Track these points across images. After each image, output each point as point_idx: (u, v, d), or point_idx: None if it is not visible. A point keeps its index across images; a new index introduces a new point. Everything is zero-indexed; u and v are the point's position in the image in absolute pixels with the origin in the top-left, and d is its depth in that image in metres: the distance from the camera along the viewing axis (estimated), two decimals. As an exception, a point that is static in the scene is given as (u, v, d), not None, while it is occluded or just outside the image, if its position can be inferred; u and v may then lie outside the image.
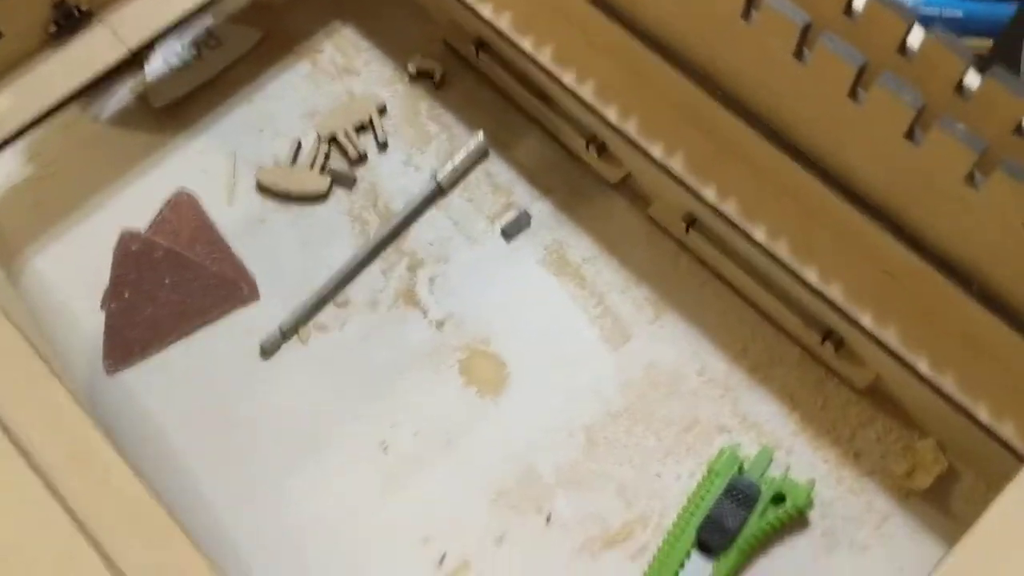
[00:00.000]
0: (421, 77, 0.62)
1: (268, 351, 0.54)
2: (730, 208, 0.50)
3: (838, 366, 0.52)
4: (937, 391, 0.47)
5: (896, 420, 0.51)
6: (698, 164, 0.51)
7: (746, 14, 0.45)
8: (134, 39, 0.56)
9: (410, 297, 0.56)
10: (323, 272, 0.56)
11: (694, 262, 0.56)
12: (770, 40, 0.44)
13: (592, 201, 0.58)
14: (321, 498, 0.51)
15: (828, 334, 0.51)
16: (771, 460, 0.50)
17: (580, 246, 0.57)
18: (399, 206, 0.58)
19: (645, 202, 0.57)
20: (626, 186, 0.58)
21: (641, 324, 0.55)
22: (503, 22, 0.55)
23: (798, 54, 0.44)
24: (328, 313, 0.55)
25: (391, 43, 0.63)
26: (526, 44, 0.55)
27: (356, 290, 0.56)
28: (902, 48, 0.44)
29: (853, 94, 0.43)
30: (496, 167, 0.60)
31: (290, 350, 0.55)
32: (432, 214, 0.58)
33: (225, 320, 0.55)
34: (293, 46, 0.63)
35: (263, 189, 0.59)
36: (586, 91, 0.53)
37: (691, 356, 0.54)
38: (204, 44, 0.63)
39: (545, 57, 0.54)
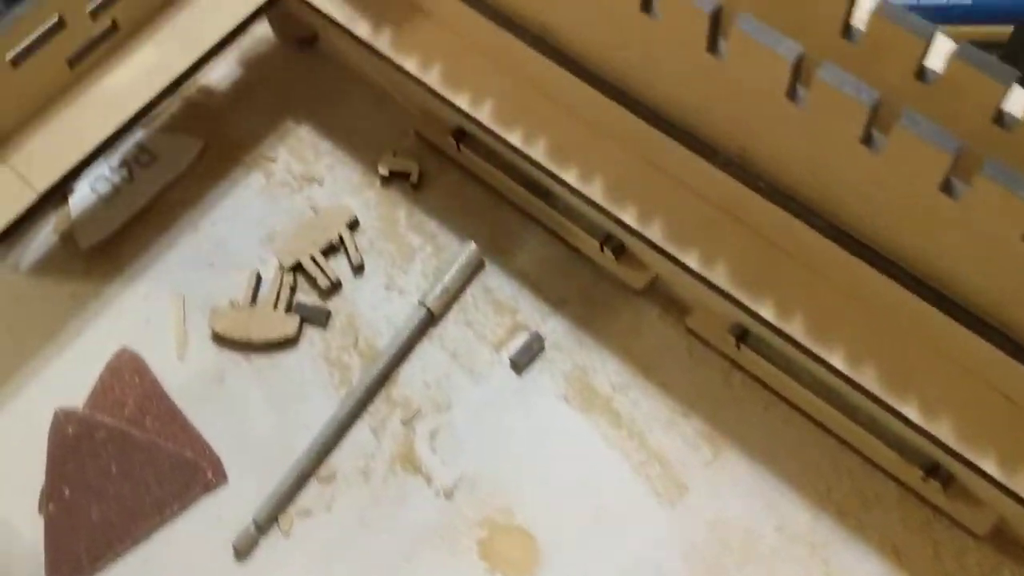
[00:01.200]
0: (396, 179, 0.53)
1: (243, 551, 0.45)
2: (795, 326, 0.40)
3: (949, 507, 0.42)
4: None
5: (1027, 565, 0.42)
6: (745, 270, 0.42)
7: (791, 93, 0.35)
8: (44, 181, 0.47)
9: (409, 460, 0.46)
10: (300, 437, 0.47)
11: (751, 381, 0.46)
12: (831, 121, 0.35)
13: (615, 313, 0.48)
14: None
15: (933, 469, 0.41)
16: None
17: (609, 371, 0.47)
18: (385, 342, 0.49)
19: (681, 310, 0.47)
20: (655, 291, 0.48)
21: (696, 468, 0.45)
22: (484, 114, 0.46)
23: (866, 140, 0.35)
24: (311, 492, 0.46)
25: (356, 142, 0.54)
26: (515, 138, 0.45)
27: (343, 458, 0.47)
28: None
29: (946, 187, 0.33)
30: (495, 280, 0.50)
31: (270, 546, 0.45)
32: (425, 348, 0.49)
33: (188, 513, 0.46)
34: (241, 155, 0.54)
35: (220, 338, 0.49)
36: (595, 189, 0.44)
37: (764, 506, 0.44)
38: (136, 162, 0.54)
39: (539, 152, 0.45)
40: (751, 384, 0.46)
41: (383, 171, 0.52)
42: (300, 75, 0.56)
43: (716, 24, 0.36)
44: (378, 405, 0.48)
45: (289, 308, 0.50)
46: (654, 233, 0.42)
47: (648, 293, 0.48)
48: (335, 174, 0.53)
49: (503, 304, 0.49)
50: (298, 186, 0.53)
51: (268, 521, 0.45)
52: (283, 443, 0.47)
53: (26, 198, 0.46)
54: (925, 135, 0.32)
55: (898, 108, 0.32)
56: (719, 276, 0.41)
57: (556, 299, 0.49)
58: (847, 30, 0.37)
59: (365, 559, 0.44)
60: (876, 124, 0.34)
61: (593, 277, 0.49)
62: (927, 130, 0.32)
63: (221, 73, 0.56)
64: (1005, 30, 0.65)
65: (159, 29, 0.49)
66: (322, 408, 0.47)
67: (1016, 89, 0.34)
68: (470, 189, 0.52)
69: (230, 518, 0.45)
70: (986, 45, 0.52)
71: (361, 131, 0.54)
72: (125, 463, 0.47)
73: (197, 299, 0.50)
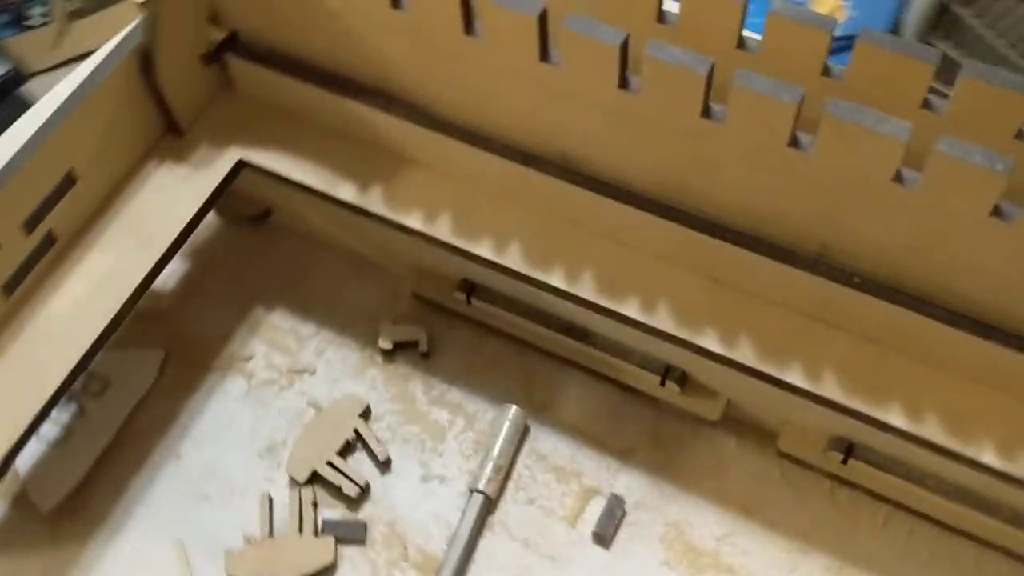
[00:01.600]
0: (401, 350, 0.46)
1: None
2: (931, 429, 0.36)
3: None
4: None
5: None
6: (857, 377, 0.37)
7: (899, 176, 0.32)
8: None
9: None
10: None
11: (859, 495, 0.41)
12: (953, 198, 0.31)
13: (691, 452, 0.43)
14: None
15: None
16: None
17: (706, 521, 0.41)
18: (440, 545, 0.42)
19: (762, 435, 0.43)
20: (729, 419, 0.43)
21: (832, 610, 0.40)
22: (513, 258, 0.40)
23: (997, 212, 0.31)
24: None
25: (342, 317, 0.47)
26: (555, 279, 0.40)
27: None
28: None
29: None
30: (546, 443, 0.44)
31: None
32: (489, 542, 0.42)
33: None
34: (210, 359, 0.47)
35: (240, 585, 0.41)
36: (662, 318, 0.39)
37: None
38: (85, 393, 0.46)
39: (587, 288, 0.39)
40: (860, 498, 0.41)
41: (386, 345, 0.46)
42: (257, 256, 0.49)
43: (795, 117, 0.32)
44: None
45: (318, 531, 0.42)
46: (743, 354, 0.38)
47: (722, 423, 0.43)
48: (328, 359, 0.46)
49: (564, 469, 0.43)
50: (287, 382, 0.46)
51: None
52: None
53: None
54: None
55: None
56: (829, 388, 0.37)
57: (621, 450, 0.43)
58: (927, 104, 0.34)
59: None
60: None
61: (656, 416, 0.44)
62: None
63: (166, 270, 0.49)
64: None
65: (104, 231, 0.42)
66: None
67: None
68: (490, 344, 0.46)
69: None
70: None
71: (345, 305, 0.48)
72: None
73: (201, 542, 0.42)
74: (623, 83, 0.34)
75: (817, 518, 0.41)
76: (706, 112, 0.34)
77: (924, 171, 0.31)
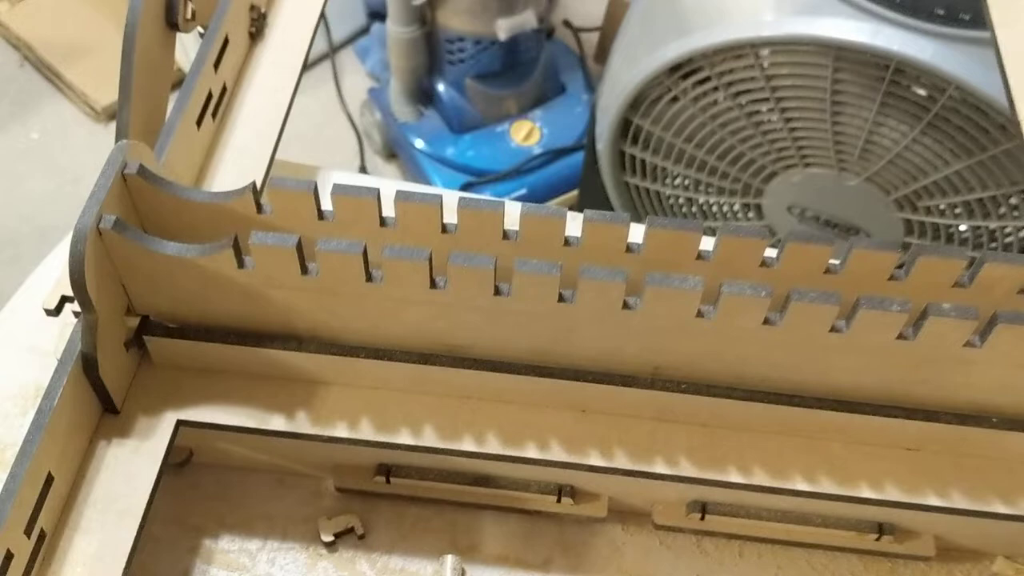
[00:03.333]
0: (340, 538, 0.52)
1: None
2: (759, 478, 0.48)
3: (902, 549, 0.51)
4: (988, 515, 0.48)
5: (967, 562, 0.52)
6: (703, 455, 0.48)
7: (700, 314, 0.44)
8: None
9: None
10: None
11: (720, 539, 0.52)
12: (738, 319, 0.44)
13: (591, 546, 0.52)
14: None
15: (881, 528, 0.50)
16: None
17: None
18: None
19: (638, 515, 0.53)
20: (611, 511, 0.53)
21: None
22: (429, 438, 0.48)
23: (767, 321, 0.44)
24: None
25: (280, 525, 0.52)
26: (467, 444, 0.48)
27: None
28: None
29: (834, 329, 0.44)
30: (482, 575, 0.51)
31: None
32: (466, 669, 0.49)
33: None
34: (175, 598, 0.50)
35: None
36: (556, 452, 0.48)
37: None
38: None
39: (494, 445, 0.48)
40: (719, 541, 0.52)
41: (327, 538, 0.52)
42: (187, 495, 0.53)
43: (623, 291, 0.43)
44: None
45: None
46: (621, 462, 0.48)
47: (608, 517, 0.53)
48: (281, 564, 0.51)
49: (512, 592, 0.51)
50: (250, 599, 0.50)
51: None
52: None
53: None
54: (813, 301, 0.42)
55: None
56: (685, 469, 0.48)
57: (541, 562, 0.52)
58: (700, 255, 0.47)
59: None
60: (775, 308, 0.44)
61: (557, 526, 0.53)
62: (815, 297, 0.42)
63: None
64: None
65: (82, 516, 0.45)
66: None
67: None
68: (412, 511, 0.53)
69: None
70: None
71: (279, 514, 0.53)
72: None
73: None
74: (497, 292, 0.45)
75: (694, 567, 0.52)
76: (561, 298, 0.44)
77: (717, 305, 0.43)
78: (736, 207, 0.99)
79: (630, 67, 0.93)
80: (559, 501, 0.51)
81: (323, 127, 1.69)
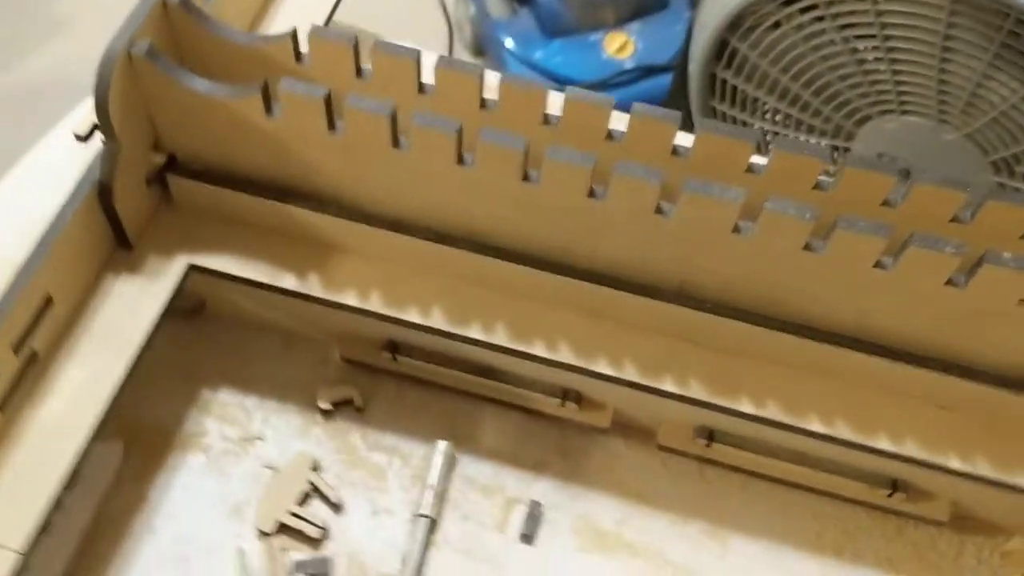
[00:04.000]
0: (339, 408, 0.51)
1: None
2: (773, 411, 0.44)
3: (913, 509, 0.48)
4: (1012, 488, 0.44)
5: (980, 534, 0.48)
6: (719, 380, 0.45)
7: (737, 230, 0.40)
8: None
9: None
10: None
11: (723, 471, 0.50)
12: (777, 239, 0.40)
13: (589, 456, 0.50)
14: None
15: (895, 485, 0.47)
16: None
17: (606, 509, 0.48)
18: (395, 566, 0.46)
19: (643, 433, 0.50)
20: (616, 424, 0.50)
21: (713, 563, 0.47)
22: (437, 319, 0.46)
23: (808, 247, 0.40)
24: None
25: (280, 387, 0.51)
26: (474, 331, 0.46)
27: None
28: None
29: (879, 264, 0.40)
30: (472, 468, 0.49)
31: None
32: (435, 557, 0.46)
33: None
34: (169, 440, 0.49)
35: (235, 630, 0.44)
36: (564, 353, 0.45)
37: (779, 573, 0.47)
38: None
39: (502, 337, 0.46)
40: (723, 473, 0.50)
41: (325, 406, 0.50)
42: (195, 345, 0.52)
43: (659, 193, 0.40)
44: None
45: (291, 572, 0.45)
46: (628, 373, 0.45)
47: (611, 429, 0.50)
48: (274, 425, 0.50)
49: (489, 487, 0.49)
50: (242, 450, 0.49)
51: None
52: None
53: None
54: (860, 231, 0.38)
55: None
56: (697, 391, 0.45)
57: (534, 464, 0.50)
58: (750, 168, 0.43)
59: None
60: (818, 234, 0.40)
61: (558, 431, 0.50)
62: (864, 227, 0.38)
63: (112, 367, 0.50)
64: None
65: (78, 344, 0.44)
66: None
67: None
68: (414, 392, 0.51)
69: None
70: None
71: (281, 375, 0.51)
72: None
73: (187, 600, 0.45)
74: (526, 177, 0.41)
75: (692, 493, 0.49)
76: (591, 193, 0.41)
77: (756, 223, 0.40)
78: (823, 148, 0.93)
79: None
80: (563, 405, 0.49)
81: (415, 13, 1.63)
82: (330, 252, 0.47)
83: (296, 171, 0.45)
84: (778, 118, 0.96)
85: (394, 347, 0.49)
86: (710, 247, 0.41)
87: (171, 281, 0.46)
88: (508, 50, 1.42)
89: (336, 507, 0.48)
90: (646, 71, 1.39)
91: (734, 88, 0.97)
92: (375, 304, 0.46)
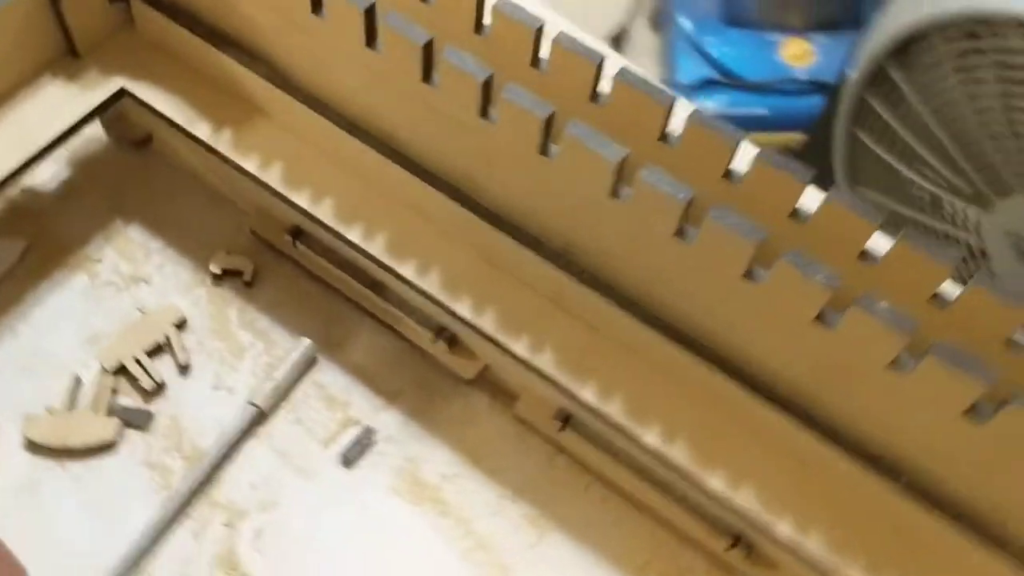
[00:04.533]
0: (228, 277, 0.49)
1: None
2: (614, 408, 0.40)
3: (749, 570, 0.42)
4: None
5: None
6: (569, 356, 0.41)
7: (615, 192, 0.36)
8: None
9: (232, 563, 0.42)
10: (117, 545, 0.41)
11: (573, 464, 0.45)
12: (651, 217, 0.36)
13: (448, 403, 0.47)
14: None
15: (737, 539, 0.41)
16: None
17: (438, 460, 0.45)
18: (210, 443, 0.45)
19: (511, 398, 0.46)
20: (486, 380, 0.47)
21: (521, 551, 0.43)
22: (324, 211, 0.44)
23: (680, 233, 0.36)
24: (132, 596, 0.41)
25: (188, 241, 0.50)
26: (354, 234, 0.44)
27: (159, 565, 0.41)
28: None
29: (748, 275, 0.35)
30: (327, 375, 0.47)
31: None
32: (252, 448, 0.45)
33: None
34: (66, 256, 0.49)
35: (34, 446, 0.44)
36: (431, 283, 0.43)
37: (584, 584, 0.43)
38: (-53, 265, 0.48)
39: (378, 247, 0.43)
40: (573, 467, 0.45)
41: (215, 269, 0.49)
42: (132, 175, 0.52)
43: (548, 128, 0.36)
44: (201, 507, 0.43)
45: (110, 412, 0.45)
46: (486, 323, 0.42)
47: (479, 383, 0.47)
48: (164, 273, 0.49)
49: (335, 399, 0.47)
50: (125, 286, 0.49)
51: (82, 630, 0.39)
52: (98, 552, 0.41)
53: None
54: (732, 227, 0.33)
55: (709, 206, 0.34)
56: (545, 362, 0.41)
57: (390, 392, 0.47)
58: (665, 137, 0.39)
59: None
60: (688, 220, 0.35)
61: (426, 368, 0.47)
62: (734, 223, 0.33)
63: (48, 173, 0.51)
64: (796, 137, 0.69)
65: (-12, 126, 0.45)
66: (141, 514, 0.42)
67: (810, 188, 0.36)
68: (305, 285, 0.49)
69: (36, 631, 0.39)
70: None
71: (194, 230, 0.51)
72: (-84, 576, 0.40)
73: (13, 406, 0.44)
74: (427, 77, 0.39)
75: (533, 475, 0.45)
76: (483, 112, 0.38)
77: (632, 189, 0.36)
78: (956, 209, 0.84)
79: (904, 9, 0.80)
80: (434, 342, 0.46)
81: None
82: (253, 116, 0.46)
83: (239, 24, 0.45)
84: (915, 160, 0.87)
85: (297, 233, 0.48)
86: (589, 208, 0.38)
87: (100, 96, 0.46)
88: (680, 27, 1.34)
89: (183, 368, 0.47)
90: (816, 87, 1.27)
91: (880, 118, 0.90)
92: (271, 177, 0.45)
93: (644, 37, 1.45)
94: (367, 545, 0.43)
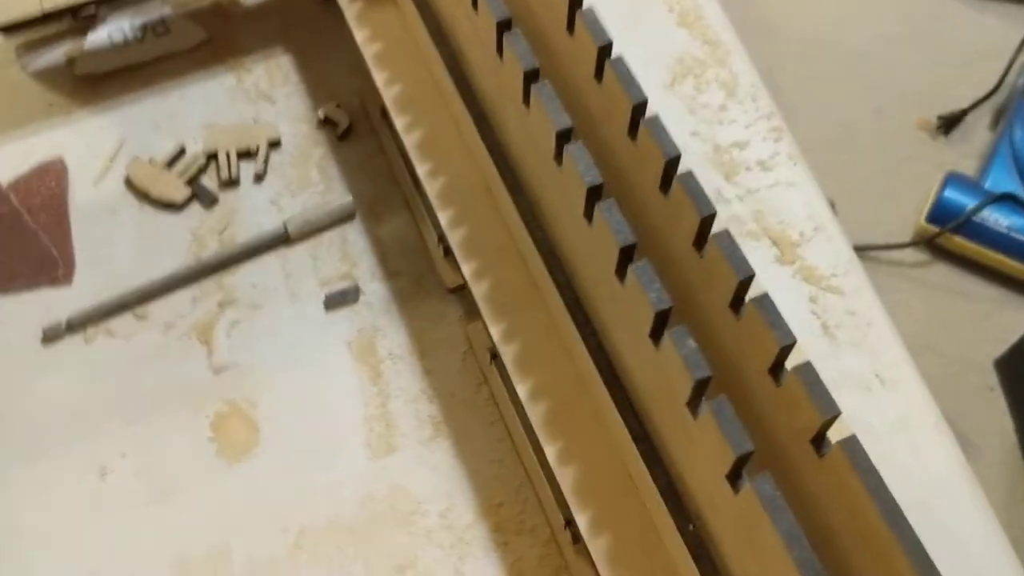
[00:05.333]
0: (328, 125, 0.57)
1: (48, 338, 0.50)
2: (508, 353, 0.43)
3: (571, 559, 0.44)
4: None
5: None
6: (502, 295, 0.44)
7: (558, 157, 0.38)
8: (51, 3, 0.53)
9: (206, 333, 0.51)
10: (143, 279, 0.52)
11: (491, 401, 0.49)
12: (570, 193, 0.38)
13: (428, 300, 0.52)
14: (31, 498, 0.46)
15: (569, 522, 0.43)
16: (466, 635, 0.42)
17: (394, 340, 0.51)
18: (243, 239, 0.53)
19: (476, 318, 0.50)
20: (464, 297, 0.51)
21: (412, 441, 0.48)
22: (390, 93, 0.50)
23: (588, 215, 0.37)
24: (123, 321, 0.51)
25: (319, 86, 0.58)
26: (400, 122, 0.49)
27: (160, 307, 0.51)
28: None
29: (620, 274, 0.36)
30: (353, 234, 0.54)
31: (71, 345, 0.50)
32: (269, 258, 0.53)
33: (28, 294, 0.52)
34: (229, 57, 0.60)
35: (129, 182, 0.55)
36: (433, 186, 0.47)
37: (444, 493, 0.46)
38: (152, 30, 0.60)
39: (412, 140, 0.48)
40: (490, 402, 0.49)
41: (320, 115, 0.57)
42: (310, 20, 0.61)
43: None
44: (209, 283, 0.52)
45: (190, 182, 0.55)
46: (454, 238, 0.46)
47: (460, 297, 0.51)
48: (287, 102, 0.58)
49: (348, 255, 0.53)
50: (255, 98, 0.58)
51: (78, 326, 0.50)
52: (127, 278, 0.52)
53: (31, 8, 0.53)
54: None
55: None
56: (481, 290, 0.44)
57: (391, 271, 0.53)
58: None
59: (131, 388, 0.49)
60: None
61: (427, 267, 0.53)
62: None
63: (254, -6, 0.62)
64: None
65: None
66: (170, 264, 0.52)
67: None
68: (376, 161, 0.56)
69: (57, 312, 0.51)
70: None
71: (327, 81, 0.59)
72: (6, 235, 0.53)
73: (132, 147, 0.56)
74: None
75: (458, 390, 0.49)
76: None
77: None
78: None
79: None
80: (437, 245, 0.50)
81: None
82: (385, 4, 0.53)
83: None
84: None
85: (384, 112, 0.54)
86: (542, 171, 0.40)
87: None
88: (1011, 137, 1.26)
89: (257, 177, 0.55)
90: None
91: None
92: (369, 52, 0.51)
93: (980, 128, 1.34)
94: (303, 368, 0.50)
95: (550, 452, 0.40)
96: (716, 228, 0.51)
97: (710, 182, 0.54)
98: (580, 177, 0.36)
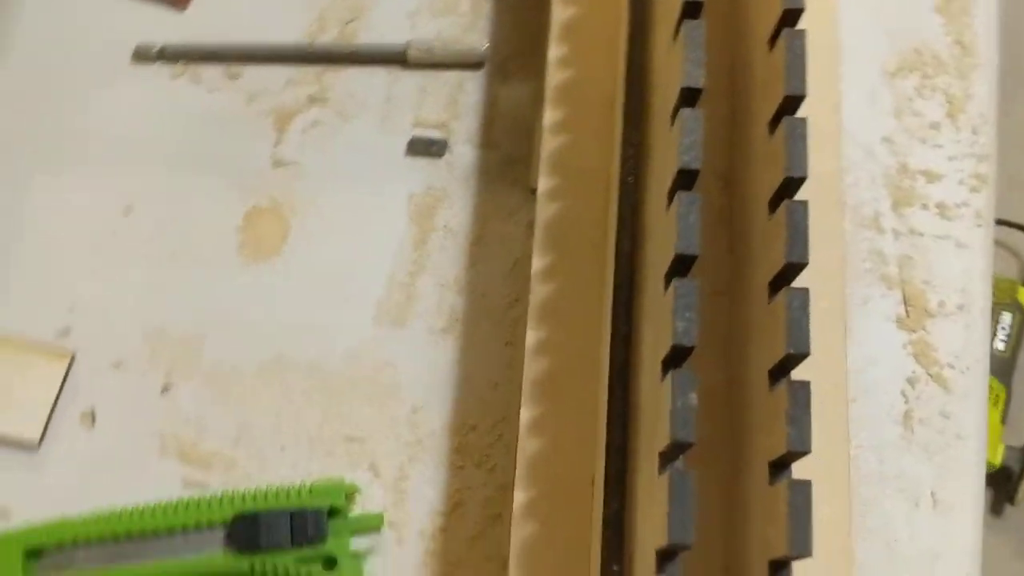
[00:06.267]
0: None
1: (139, 58, 0.48)
2: (538, 292, 0.38)
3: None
4: None
5: None
6: (561, 232, 0.39)
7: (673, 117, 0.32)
8: None
9: (284, 120, 0.47)
10: (252, 38, 0.49)
11: (517, 321, 0.44)
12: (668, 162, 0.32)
13: (510, 190, 0.47)
14: (46, 208, 0.46)
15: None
16: (377, 529, 0.40)
17: (457, 214, 0.46)
18: (363, 41, 0.49)
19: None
20: (544, 202, 0.46)
21: (423, 324, 0.44)
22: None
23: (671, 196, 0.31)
24: (213, 72, 0.48)
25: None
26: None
27: (253, 74, 0.48)
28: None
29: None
30: (473, 86, 0.49)
31: (155, 73, 0.48)
32: (377, 73, 0.49)
33: (142, 4, 0.50)
34: None
35: None
36: (556, 77, 0.42)
37: (426, 389, 0.43)
38: None
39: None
40: (517, 322, 0.44)
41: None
42: None
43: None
44: (309, 72, 0.48)
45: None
46: (551, 145, 0.40)
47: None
48: None
49: (457, 104, 0.48)
50: None
51: (170, 57, 0.48)
52: (240, 31, 0.49)
53: None
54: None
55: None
56: (545, 215, 0.39)
57: (490, 140, 0.48)
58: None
59: (186, 140, 0.47)
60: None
61: (527, 153, 0.47)
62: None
63: None
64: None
65: None
66: (285, 36, 0.49)
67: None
68: (534, 9, 0.50)
69: (157, 35, 0.49)
70: None
71: None
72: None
73: None
74: None
75: (497, 291, 0.45)
76: None
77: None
78: None
79: None
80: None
81: None
82: None
83: None
84: None
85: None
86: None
87: None
88: None
89: (410, -16, 0.50)
90: None
91: None
92: None
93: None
94: (356, 202, 0.46)
95: (525, 414, 0.36)
96: (854, 259, 0.44)
97: (873, 203, 0.46)
98: (678, 155, 0.30)
